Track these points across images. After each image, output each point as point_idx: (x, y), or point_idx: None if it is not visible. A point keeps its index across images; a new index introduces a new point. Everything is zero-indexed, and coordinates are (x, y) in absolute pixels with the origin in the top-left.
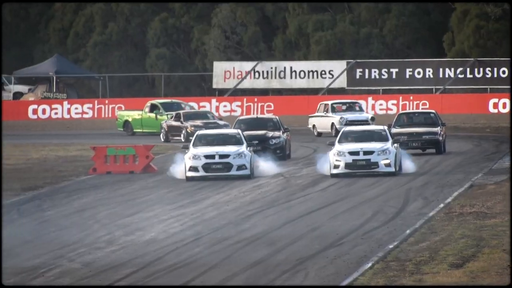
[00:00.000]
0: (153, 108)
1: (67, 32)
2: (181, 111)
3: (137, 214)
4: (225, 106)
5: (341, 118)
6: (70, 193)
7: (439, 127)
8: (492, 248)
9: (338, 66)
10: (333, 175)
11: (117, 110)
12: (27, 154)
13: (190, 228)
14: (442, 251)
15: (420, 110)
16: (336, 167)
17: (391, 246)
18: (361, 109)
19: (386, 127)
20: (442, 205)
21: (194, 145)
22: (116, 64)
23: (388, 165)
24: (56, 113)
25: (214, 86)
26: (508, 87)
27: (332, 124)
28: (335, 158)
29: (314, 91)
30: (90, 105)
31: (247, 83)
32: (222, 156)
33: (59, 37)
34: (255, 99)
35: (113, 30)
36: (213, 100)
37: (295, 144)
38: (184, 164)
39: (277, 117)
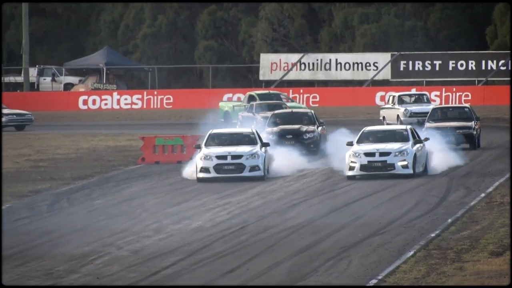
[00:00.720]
0: (250, 99)
1: (117, 24)
2: (254, 102)
3: (185, 203)
4: None
5: (405, 110)
6: (119, 183)
7: (473, 122)
8: None
9: (383, 58)
10: (349, 177)
11: (221, 101)
12: (77, 144)
13: (236, 217)
14: (482, 239)
15: (454, 105)
16: (351, 168)
17: (432, 235)
18: (428, 101)
19: (409, 127)
20: (483, 194)
21: (207, 144)
22: (165, 56)
23: (405, 166)
24: (106, 104)
25: (261, 77)
26: None
27: (398, 116)
28: (350, 159)
29: (359, 83)
30: (139, 96)
31: (293, 75)
32: (234, 156)
33: (110, 30)
34: (301, 91)
35: (162, 22)
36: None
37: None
38: (195, 164)
39: (312, 111)
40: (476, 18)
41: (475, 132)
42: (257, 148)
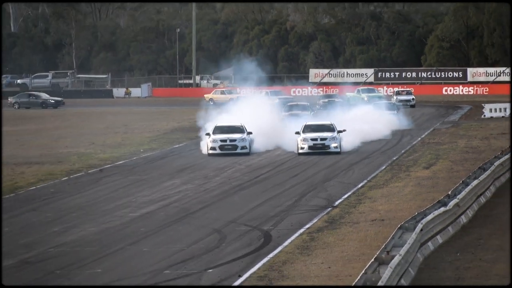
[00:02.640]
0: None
1: None
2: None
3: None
4: None
5: (397, 98)
6: None
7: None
8: (444, 159)
9: (369, 71)
10: (300, 154)
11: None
12: None
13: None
14: (419, 160)
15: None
16: (302, 148)
17: (394, 158)
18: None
19: (333, 122)
20: (419, 138)
21: (213, 133)
22: None
23: (336, 147)
24: None
25: (310, 80)
26: None
27: (395, 99)
28: (301, 142)
29: (357, 84)
30: None
31: (325, 79)
32: (231, 140)
33: None
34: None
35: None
36: None
37: None
38: (206, 145)
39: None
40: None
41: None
42: (245, 135)
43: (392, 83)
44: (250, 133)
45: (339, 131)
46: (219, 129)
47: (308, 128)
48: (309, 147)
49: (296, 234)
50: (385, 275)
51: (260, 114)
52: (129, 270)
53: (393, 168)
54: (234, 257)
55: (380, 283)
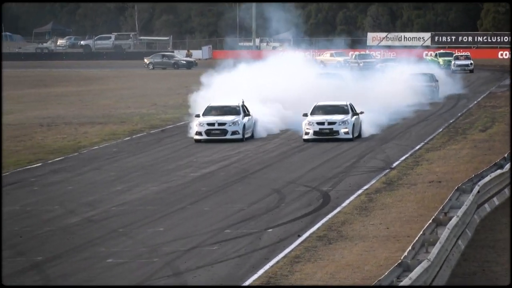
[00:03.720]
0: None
1: None
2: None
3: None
4: None
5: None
6: None
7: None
8: (500, 123)
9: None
10: (304, 140)
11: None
12: None
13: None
14: (476, 123)
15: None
16: (306, 133)
17: (451, 121)
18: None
19: (349, 102)
20: (475, 102)
21: (203, 114)
22: None
23: (347, 133)
24: None
25: (367, 44)
26: None
27: (453, 63)
28: (306, 126)
29: (413, 47)
30: None
31: (382, 43)
32: (220, 123)
33: None
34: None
35: None
36: None
37: None
38: (191, 129)
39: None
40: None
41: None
42: (239, 118)
43: (448, 47)
44: (248, 115)
45: (355, 113)
46: (211, 110)
47: (318, 110)
48: (315, 133)
49: (355, 195)
50: (443, 236)
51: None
52: (190, 229)
53: (449, 131)
54: (293, 217)
55: (438, 244)
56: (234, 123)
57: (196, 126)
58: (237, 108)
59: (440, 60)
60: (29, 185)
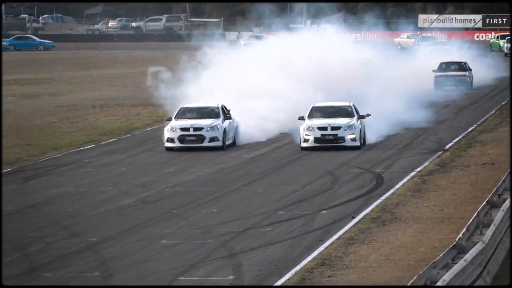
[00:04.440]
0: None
1: None
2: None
3: None
4: None
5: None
6: None
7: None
8: None
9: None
10: (303, 148)
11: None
12: None
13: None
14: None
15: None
16: (306, 141)
17: (503, 103)
18: None
19: (352, 103)
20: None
21: (176, 117)
22: None
23: (354, 139)
24: None
25: (419, 25)
26: None
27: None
28: (304, 132)
29: (466, 28)
30: None
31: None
32: (196, 129)
33: None
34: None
35: None
36: None
37: None
38: (163, 135)
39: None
40: None
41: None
42: (218, 121)
43: (500, 29)
44: (229, 117)
45: (361, 116)
46: (185, 112)
47: (316, 112)
48: (316, 140)
49: (408, 177)
50: (497, 217)
51: None
52: (244, 210)
53: (502, 113)
54: (347, 199)
55: (492, 226)
56: (212, 127)
57: (168, 131)
58: (216, 110)
59: (501, 42)
60: (82, 166)
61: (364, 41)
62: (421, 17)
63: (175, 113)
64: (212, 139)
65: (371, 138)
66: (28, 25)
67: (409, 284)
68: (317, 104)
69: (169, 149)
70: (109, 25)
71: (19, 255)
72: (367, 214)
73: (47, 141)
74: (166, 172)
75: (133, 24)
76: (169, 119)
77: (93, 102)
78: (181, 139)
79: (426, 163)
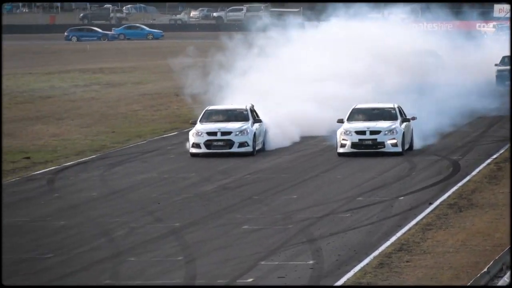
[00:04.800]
0: None
1: None
2: None
3: None
4: None
5: None
6: None
7: None
8: None
9: None
10: (340, 154)
11: None
12: None
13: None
14: None
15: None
16: (342, 146)
17: None
18: None
19: (397, 105)
20: None
21: (201, 121)
22: None
23: (395, 144)
24: None
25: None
26: None
27: None
28: (342, 137)
29: None
30: None
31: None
32: (224, 133)
33: None
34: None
35: None
36: None
37: None
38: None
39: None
40: None
41: None
42: (247, 125)
43: None
44: (258, 120)
45: (405, 119)
46: (211, 115)
47: (357, 114)
48: (353, 145)
49: (484, 164)
50: None
51: None
52: (323, 196)
53: None
54: (424, 185)
55: None
56: (242, 131)
57: (193, 136)
58: (245, 113)
59: None
60: (165, 153)
61: (439, 31)
62: (497, 6)
63: (200, 116)
64: (242, 145)
65: (445, 127)
66: (112, 15)
67: (485, 268)
68: (358, 106)
69: (194, 155)
70: (191, 15)
71: (105, 240)
72: (444, 200)
73: (131, 129)
74: (246, 159)
75: (214, 14)
76: (194, 123)
77: (175, 90)
78: (208, 144)
79: (502, 151)
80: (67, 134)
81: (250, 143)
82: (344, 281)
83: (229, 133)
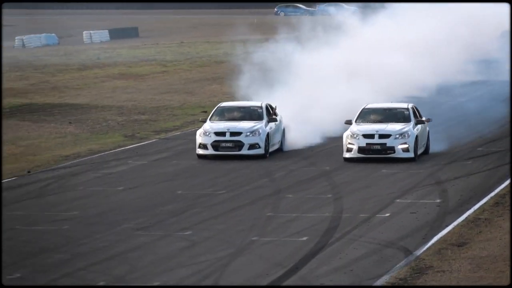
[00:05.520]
0: None
1: None
2: None
3: None
4: None
5: None
6: None
7: None
8: None
9: None
10: (346, 159)
11: None
12: None
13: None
14: None
15: None
16: (349, 150)
17: None
18: None
19: (410, 106)
20: None
21: (212, 118)
22: None
23: (406, 150)
24: None
25: None
26: None
27: None
28: (348, 140)
29: None
30: None
31: None
32: (233, 133)
33: None
34: None
35: None
36: None
37: None
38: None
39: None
40: None
41: None
42: (260, 125)
43: None
44: (274, 119)
45: (419, 121)
46: (222, 113)
47: (367, 115)
48: (360, 150)
49: None
50: None
51: None
52: (449, 146)
53: None
54: None
55: None
56: (253, 132)
57: (200, 136)
58: (259, 111)
59: None
60: None
61: None
62: None
63: (211, 113)
64: (252, 146)
65: None
66: None
67: None
68: (369, 106)
69: (201, 157)
70: None
71: (267, 179)
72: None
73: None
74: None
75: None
76: (204, 121)
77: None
78: (216, 145)
79: None
80: (238, 93)
81: (262, 144)
82: (466, 216)
83: (239, 133)
